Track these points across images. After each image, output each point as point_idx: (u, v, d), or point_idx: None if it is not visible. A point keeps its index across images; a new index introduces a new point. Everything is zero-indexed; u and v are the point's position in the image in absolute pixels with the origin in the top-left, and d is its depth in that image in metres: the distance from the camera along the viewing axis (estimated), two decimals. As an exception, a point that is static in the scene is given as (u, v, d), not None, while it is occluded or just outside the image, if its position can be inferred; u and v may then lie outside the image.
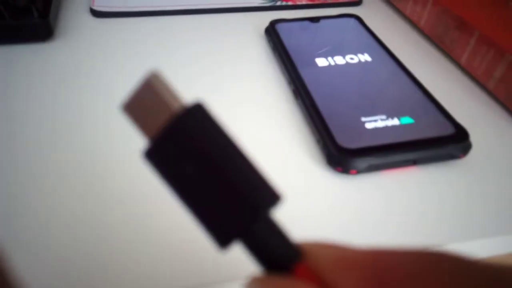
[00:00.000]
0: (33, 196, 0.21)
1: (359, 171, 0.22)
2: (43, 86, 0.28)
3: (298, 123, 0.26)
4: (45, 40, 0.31)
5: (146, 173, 0.21)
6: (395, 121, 0.24)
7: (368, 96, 0.26)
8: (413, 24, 0.37)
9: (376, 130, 0.24)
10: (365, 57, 0.30)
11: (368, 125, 0.24)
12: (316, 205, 0.21)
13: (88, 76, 0.29)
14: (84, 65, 0.30)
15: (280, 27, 0.32)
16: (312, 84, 0.27)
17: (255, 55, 0.32)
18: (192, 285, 0.18)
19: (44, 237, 0.19)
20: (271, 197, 0.09)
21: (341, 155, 0.22)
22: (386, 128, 0.24)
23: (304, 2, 0.38)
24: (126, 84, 0.28)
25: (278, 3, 0.37)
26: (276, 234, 0.09)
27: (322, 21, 0.33)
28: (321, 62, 0.29)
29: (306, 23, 0.33)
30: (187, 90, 0.28)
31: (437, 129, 0.24)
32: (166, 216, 0.20)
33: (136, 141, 0.23)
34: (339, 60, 0.29)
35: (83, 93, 0.27)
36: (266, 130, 0.25)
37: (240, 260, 0.17)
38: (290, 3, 0.38)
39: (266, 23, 0.33)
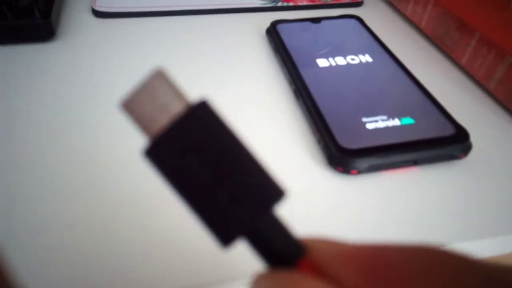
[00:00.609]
0: (33, 196, 0.21)
1: (359, 172, 0.22)
2: (45, 86, 0.28)
3: (299, 124, 0.26)
4: (47, 40, 0.32)
5: (147, 173, 0.21)
6: (395, 122, 0.24)
7: (369, 96, 0.26)
8: (414, 25, 0.37)
9: (377, 130, 0.24)
10: (366, 58, 0.30)
11: (369, 126, 0.24)
12: (317, 205, 0.21)
13: (89, 76, 0.29)
14: (85, 65, 0.30)
15: (281, 28, 0.32)
16: (313, 84, 0.27)
17: (256, 55, 0.32)
18: (193, 285, 0.18)
19: (44, 236, 0.19)
20: (276, 193, 0.09)
21: (342, 156, 0.22)
22: (386, 128, 0.24)
23: (305, 3, 0.38)
24: (128, 84, 0.28)
25: (279, 4, 0.38)
26: (280, 230, 0.09)
27: (323, 22, 0.34)
28: (322, 62, 0.29)
29: (307, 24, 0.33)
30: (188, 91, 0.28)
31: (437, 129, 0.24)
32: (166, 216, 0.20)
33: (137, 141, 0.23)
34: (340, 60, 0.29)
35: (85, 93, 0.27)
36: (267, 130, 0.25)
37: (241, 260, 0.17)
38: (291, 4, 0.38)
39: (267, 24, 0.33)
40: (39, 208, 0.20)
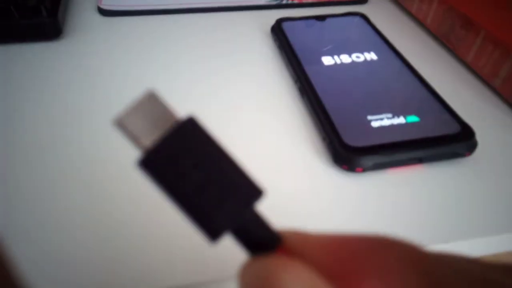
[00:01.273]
0: (42, 194, 0.21)
1: (365, 169, 0.22)
2: (52, 84, 0.28)
3: (304, 121, 0.26)
4: (53, 39, 0.32)
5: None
6: (401, 120, 0.24)
7: (374, 94, 0.26)
8: (419, 23, 0.37)
9: (382, 128, 0.24)
10: (371, 56, 0.30)
11: (374, 124, 0.24)
12: (322, 203, 0.22)
13: (96, 74, 0.29)
14: (92, 64, 0.30)
15: (286, 26, 0.33)
16: (318, 82, 0.27)
17: (261, 53, 0.32)
18: (194, 283, 0.18)
19: (46, 233, 0.19)
20: (256, 192, 0.10)
21: (347, 153, 0.22)
22: (392, 126, 0.24)
23: (310, 1, 0.38)
24: (134, 82, 0.28)
25: (284, 2, 0.38)
26: (260, 223, 0.11)
27: (328, 20, 0.34)
28: (327, 60, 0.29)
29: (312, 21, 0.33)
30: (194, 88, 0.28)
31: (442, 127, 0.24)
32: (164, 215, 0.20)
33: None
34: (345, 58, 0.29)
35: (92, 91, 0.28)
36: (272, 128, 0.26)
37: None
38: (296, 1, 0.38)
39: (272, 22, 0.34)
40: (40, 206, 0.21)
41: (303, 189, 0.22)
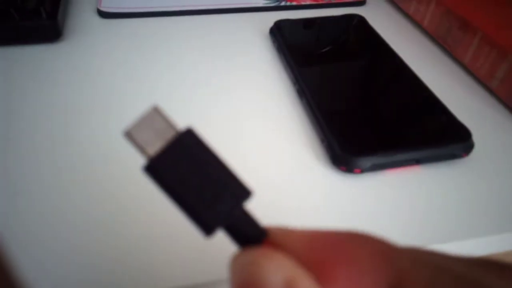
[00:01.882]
0: (43, 195, 0.21)
1: (363, 170, 0.23)
2: (52, 86, 0.28)
3: (302, 123, 0.26)
4: (53, 41, 0.32)
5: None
6: (398, 121, 0.25)
7: (372, 95, 0.27)
8: (417, 24, 0.37)
9: (379, 129, 0.24)
10: (369, 57, 0.30)
11: (372, 125, 0.24)
12: (320, 204, 0.22)
13: (96, 76, 0.29)
14: (92, 66, 0.30)
15: (284, 27, 0.33)
16: (316, 84, 0.27)
17: (260, 55, 0.32)
18: (195, 284, 0.18)
19: (46, 233, 0.20)
20: (245, 193, 0.12)
21: (345, 155, 0.23)
22: (389, 127, 0.24)
23: (308, 2, 0.38)
24: (134, 84, 0.29)
25: (283, 4, 0.38)
26: (249, 219, 0.12)
27: (326, 21, 0.34)
28: (325, 62, 0.29)
29: (310, 23, 0.33)
30: (193, 90, 0.28)
31: (439, 128, 0.24)
32: (165, 217, 0.21)
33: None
34: (343, 60, 0.30)
35: (92, 93, 0.28)
36: (270, 130, 0.26)
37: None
38: (294, 3, 0.38)
39: (270, 23, 0.34)
40: (41, 206, 0.21)
41: (301, 190, 0.22)
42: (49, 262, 0.19)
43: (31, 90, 0.28)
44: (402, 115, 0.25)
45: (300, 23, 0.34)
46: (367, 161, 0.22)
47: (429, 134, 0.24)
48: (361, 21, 0.34)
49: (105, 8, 0.36)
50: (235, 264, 0.11)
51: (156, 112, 0.12)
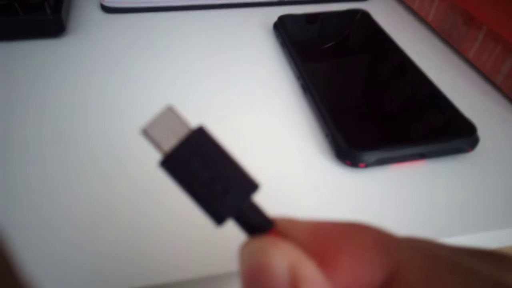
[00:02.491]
0: (46, 191, 0.21)
1: (367, 165, 0.23)
2: (56, 80, 0.28)
3: (307, 118, 0.26)
4: (57, 36, 0.32)
5: (155, 173, 0.22)
6: (403, 115, 0.25)
7: (376, 90, 0.27)
8: (421, 19, 0.37)
9: (384, 124, 0.24)
10: (373, 52, 0.30)
11: (376, 119, 0.24)
12: (325, 198, 0.22)
13: (99, 70, 0.29)
14: (95, 60, 0.30)
15: (288, 22, 0.33)
16: (321, 78, 0.27)
17: (263, 50, 0.32)
18: (200, 277, 0.18)
19: (49, 230, 0.20)
20: (253, 186, 0.13)
21: (349, 149, 0.23)
22: (394, 122, 0.24)
23: (312, -3, 0.38)
24: (137, 79, 0.29)
25: (286, -2, 0.38)
26: (257, 210, 0.13)
27: (330, 16, 0.34)
28: (329, 57, 0.29)
29: (315, 18, 0.33)
30: (197, 85, 0.28)
31: (445, 123, 0.24)
32: (170, 213, 0.21)
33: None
34: (347, 54, 0.30)
35: (94, 87, 0.28)
36: (275, 125, 0.26)
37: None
38: (298, -2, 0.38)
39: (274, 18, 0.34)
40: (44, 202, 0.21)
41: (306, 184, 0.22)
42: (51, 260, 0.19)
43: (34, 84, 0.28)
44: (407, 110, 0.25)
45: (304, 18, 0.33)
46: (372, 156, 0.22)
47: (434, 128, 0.24)
48: (365, 16, 0.34)
49: (108, 3, 0.35)
50: (244, 250, 0.12)
51: (170, 111, 0.13)
